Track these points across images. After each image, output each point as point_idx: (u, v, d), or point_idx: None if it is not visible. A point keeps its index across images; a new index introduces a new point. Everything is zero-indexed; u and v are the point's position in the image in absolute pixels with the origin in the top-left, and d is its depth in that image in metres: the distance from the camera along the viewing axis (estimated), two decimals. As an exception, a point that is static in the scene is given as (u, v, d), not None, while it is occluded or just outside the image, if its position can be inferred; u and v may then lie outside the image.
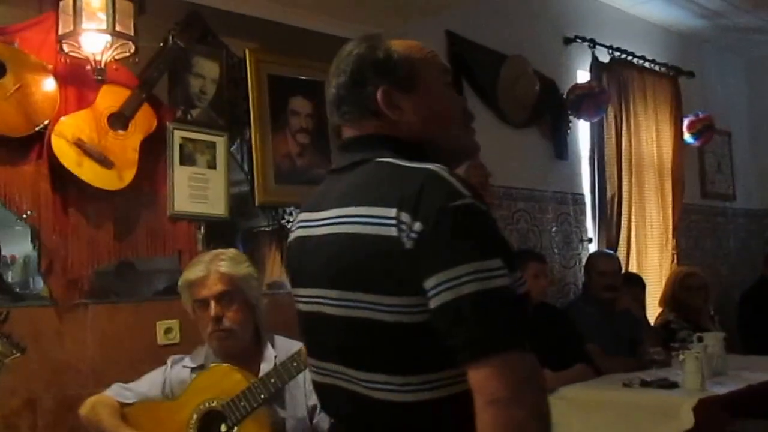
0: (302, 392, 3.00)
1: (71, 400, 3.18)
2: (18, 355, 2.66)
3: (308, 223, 1.91)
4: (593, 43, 6.63)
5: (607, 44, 6.76)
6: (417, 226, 1.62)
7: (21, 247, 3.54)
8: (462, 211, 1.61)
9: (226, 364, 2.95)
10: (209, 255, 3.16)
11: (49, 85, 3.42)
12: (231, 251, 3.19)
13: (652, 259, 7.12)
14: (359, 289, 1.72)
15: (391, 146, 1.82)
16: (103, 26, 3.36)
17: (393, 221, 1.65)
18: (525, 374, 1.55)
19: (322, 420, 2.93)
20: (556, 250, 6.26)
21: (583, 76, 6.67)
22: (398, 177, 1.71)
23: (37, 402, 3.38)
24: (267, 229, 4.38)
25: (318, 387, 1.96)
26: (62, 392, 3.42)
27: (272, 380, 2.82)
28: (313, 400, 2.97)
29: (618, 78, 6.86)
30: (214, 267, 3.07)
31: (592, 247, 6.52)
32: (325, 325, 1.84)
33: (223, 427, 2.82)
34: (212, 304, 3.02)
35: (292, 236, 2.02)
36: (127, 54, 3.53)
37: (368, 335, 1.73)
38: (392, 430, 1.76)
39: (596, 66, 6.64)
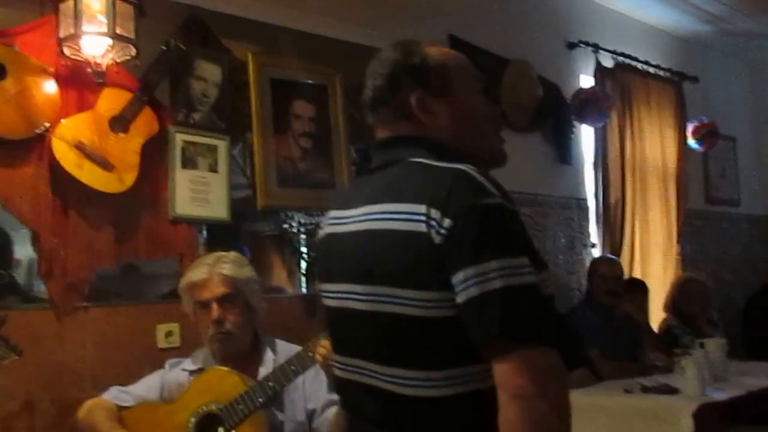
0: (301, 396, 2.99)
1: (70, 404, 3.17)
2: (14, 357, 2.66)
3: (338, 220, 1.96)
4: (597, 48, 6.63)
5: (611, 49, 6.77)
6: (447, 222, 1.67)
7: (24, 249, 3.55)
8: (491, 210, 1.66)
9: (224, 368, 2.94)
10: (211, 257, 3.15)
11: (49, 87, 3.42)
12: (233, 254, 3.18)
13: (655, 264, 7.11)
14: (388, 284, 1.76)
15: (424, 147, 1.86)
16: (104, 29, 3.35)
17: (423, 217, 1.70)
18: (549, 370, 1.59)
19: (321, 424, 2.93)
20: (559, 256, 6.25)
21: (586, 81, 6.67)
22: (429, 175, 1.77)
23: (36, 405, 3.37)
24: (269, 233, 4.38)
25: (341, 384, 1.99)
26: (61, 395, 3.40)
27: (270, 384, 2.80)
28: (312, 404, 2.98)
29: (622, 83, 6.86)
30: (216, 269, 3.06)
31: (596, 253, 6.52)
32: (352, 321, 1.89)
33: (221, 431, 2.81)
34: (214, 306, 3.00)
35: (321, 233, 2.07)
36: (128, 57, 3.51)
37: (394, 330, 1.77)
38: (415, 426, 1.78)
39: (600, 71, 6.65)
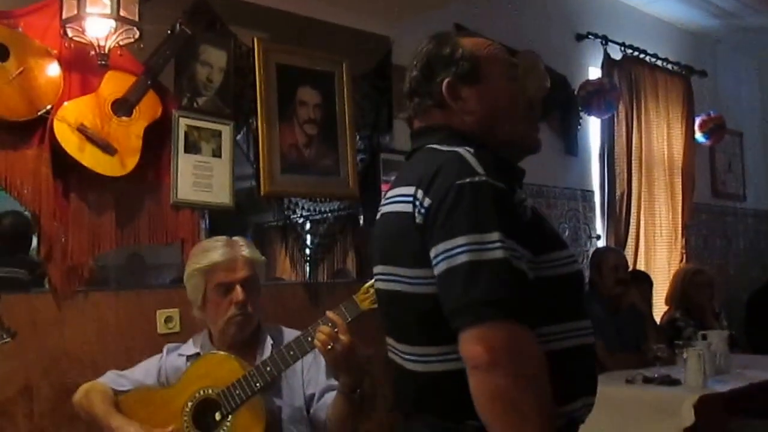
0: (299, 381, 2.97)
1: (69, 388, 3.15)
2: (8, 340, 2.64)
3: (380, 207, 2.04)
4: (605, 40, 6.61)
5: (620, 41, 6.75)
6: (426, 201, 1.76)
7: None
8: (467, 187, 1.71)
9: (222, 352, 2.92)
10: (222, 240, 3.09)
11: (52, 69, 3.41)
12: (240, 238, 3.15)
13: (660, 257, 7.10)
14: (390, 263, 1.90)
15: (445, 134, 1.95)
16: (107, 11, 3.34)
17: (410, 198, 1.81)
18: (508, 342, 1.62)
19: (320, 408, 2.92)
20: (565, 247, 6.22)
21: (594, 72, 6.66)
22: (429, 158, 1.86)
23: (34, 389, 3.36)
24: (273, 223, 4.37)
25: (389, 364, 2.04)
26: (60, 380, 3.40)
27: (268, 368, 2.79)
28: (311, 389, 2.97)
29: (630, 75, 6.84)
30: (238, 251, 3.02)
31: (600, 244, 6.49)
32: (379, 301, 2.06)
33: (218, 416, 2.80)
34: (238, 289, 2.96)
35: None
36: (132, 40, 3.50)
37: (397, 307, 1.90)
38: (418, 400, 1.87)
39: (608, 63, 6.63)
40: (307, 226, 4.50)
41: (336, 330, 2.66)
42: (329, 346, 2.63)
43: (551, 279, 1.80)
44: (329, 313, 2.74)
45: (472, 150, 1.80)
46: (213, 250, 3.02)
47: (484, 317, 1.63)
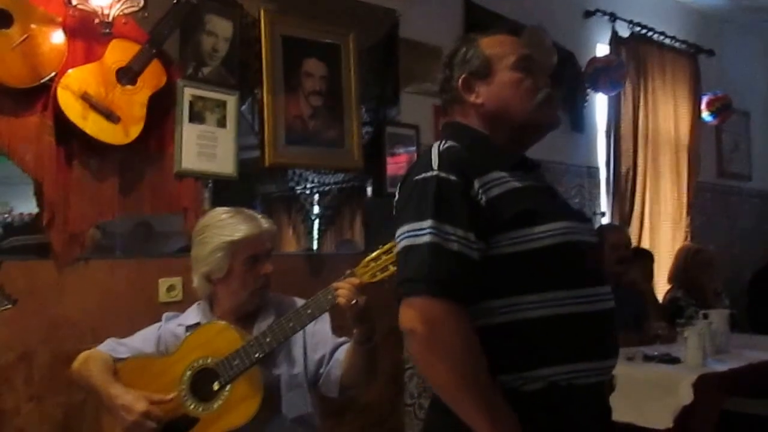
0: (301, 350, 2.99)
1: (68, 355, 3.13)
2: (9, 306, 2.64)
3: None
4: (613, 17, 6.59)
5: (628, 19, 6.71)
6: (397, 196, 2.15)
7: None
8: (419, 183, 2.03)
9: (221, 322, 2.93)
10: (235, 211, 3.07)
11: (56, 37, 3.40)
12: (249, 210, 3.15)
13: (665, 235, 7.11)
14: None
15: (449, 132, 2.24)
16: (110, -21, 3.34)
17: (395, 194, 2.18)
18: (428, 314, 1.91)
19: (333, 366, 2.97)
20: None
21: (602, 49, 6.63)
22: (418, 158, 2.32)
23: (33, 356, 3.38)
24: (278, 193, 4.37)
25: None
26: (59, 347, 3.41)
27: (267, 339, 2.79)
28: (320, 352, 3.00)
29: (637, 53, 6.83)
30: (261, 224, 3.04)
31: (605, 221, 6.49)
32: None
33: (216, 385, 2.81)
34: (266, 261, 3.01)
35: None
36: (136, 8, 3.49)
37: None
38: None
39: (616, 40, 6.62)
40: (311, 197, 4.51)
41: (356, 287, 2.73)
42: (353, 301, 2.70)
43: (520, 254, 2.01)
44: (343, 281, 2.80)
45: (445, 145, 2.10)
46: (238, 223, 3.00)
47: (409, 292, 1.94)
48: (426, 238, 1.94)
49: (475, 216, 1.99)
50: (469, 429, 1.91)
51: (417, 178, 2.03)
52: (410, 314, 1.92)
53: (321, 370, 2.99)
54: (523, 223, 2.03)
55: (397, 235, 2.04)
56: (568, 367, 1.99)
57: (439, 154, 2.07)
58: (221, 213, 3.07)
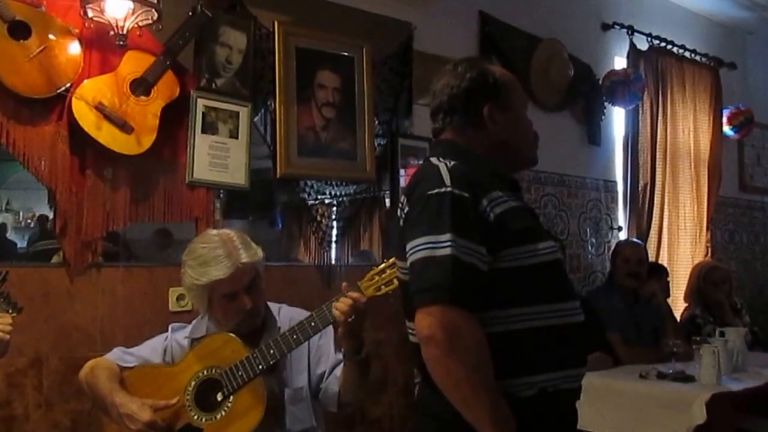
0: (305, 363, 3.01)
1: (78, 362, 3.15)
2: (14, 315, 2.65)
3: None
4: (631, 30, 6.57)
5: (646, 32, 6.69)
6: (407, 208, 2.23)
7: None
8: (432, 197, 2.13)
9: (227, 333, 2.93)
10: (222, 246, 2.94)
11: (73, 48, 3.44)
12: (234, 234, 3.03)
13: (684, 250, 7.03)
14: (399, 258, 2.32)
15: (448, 150, 2.33)
16: (125, -8, 3.37)
17: (402, 205, 2.28)
18: (443, 321, 2.01)
19: (331, 382, 2.99)
20: (586, 237, 6.21)
21: (620, 62, 6.61)
22: (420, 171, 2.33)
23: (44, 362, 3.41)
24: (291, 204, 4.39)
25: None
26: (69, 354, 3.45)
27: (271, 351, 2.80)
28: (322, 367, 3.02)
29: (656, 66, 6.79)
30: (237, 259, 2.91)
31: (623, 236, 6.46)
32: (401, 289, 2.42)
33: (220, 396, 2.82)
34: (244, 297, 2.92)
35: None
36: (150, 21, 3.53)
37: (403, 293, 2.31)
38: (420, 368, 2.21)
39: (634, 53, 6.59)
40: (323, 208, 4.51)
41: (356, 303, 2.72)
42: (351, 318, 2.72)
43: (522, 268, 2.16)
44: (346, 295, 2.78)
45: (451, 164, 2.21)
46: (212, 264, 2.90)
47: (428, 301, 2.04)
48: (447, 251, 2.04)
49: (485, 231, 2.12)
50: None
51: (430, 192, 2.14)
52: (429, 321, 2.03)
53: (321, 385, 3.02)
54: (527, 240, 2.19)
55: (410, 247, 2.13)
56: (557, 374, 2.17)
57: (450, 171, 2.18)
58: (199, 246, 2.98)
